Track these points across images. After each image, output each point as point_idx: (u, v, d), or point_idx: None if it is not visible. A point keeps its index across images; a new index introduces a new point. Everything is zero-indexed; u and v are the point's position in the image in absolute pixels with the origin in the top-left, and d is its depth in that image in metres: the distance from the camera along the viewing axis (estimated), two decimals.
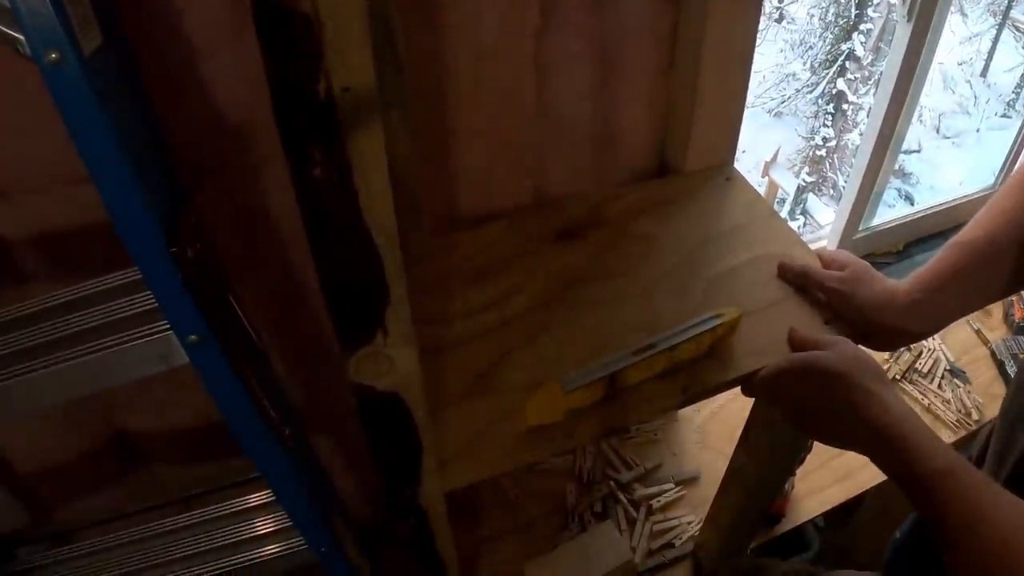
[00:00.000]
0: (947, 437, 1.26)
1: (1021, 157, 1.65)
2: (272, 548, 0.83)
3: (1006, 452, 0.69)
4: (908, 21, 1.24)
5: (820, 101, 6.93)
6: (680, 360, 0.69)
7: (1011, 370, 1.35)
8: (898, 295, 0.71)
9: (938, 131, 6.99)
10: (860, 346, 0.68)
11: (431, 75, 0.77)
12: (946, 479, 0.54)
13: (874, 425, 0.59)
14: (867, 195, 1.48)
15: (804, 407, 0.65)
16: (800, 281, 0.76)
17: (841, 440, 0.63)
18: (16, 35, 0.40)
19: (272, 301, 0.85)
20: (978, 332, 1.45)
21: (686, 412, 1.31)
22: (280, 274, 0.83)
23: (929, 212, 1.66)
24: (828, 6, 6.67)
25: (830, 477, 1.21)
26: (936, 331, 0.74)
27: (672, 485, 1.20)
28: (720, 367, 0.70)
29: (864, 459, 0.60)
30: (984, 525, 0.51)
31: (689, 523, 1.15)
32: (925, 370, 1.37)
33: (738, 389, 0.72)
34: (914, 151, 6.71)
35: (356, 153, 0.38)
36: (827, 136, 6.72)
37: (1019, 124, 1.68)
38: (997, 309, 1.50)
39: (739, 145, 0.95)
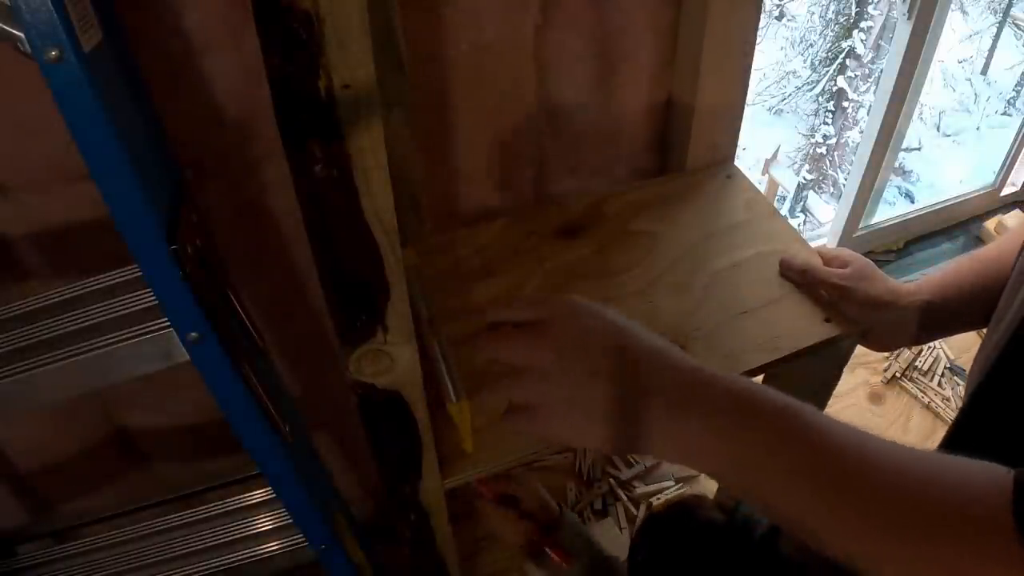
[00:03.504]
0: None
1: None
2: (272, 545, 0.83)
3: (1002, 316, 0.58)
4: (908, 19, 1.24)
5: (820, 99, 6.93)
6: None
7: None
8: (901, 296, 0.71)
9: (938, 129, 6.99)
10: None
11: (431, 72, 0.77)
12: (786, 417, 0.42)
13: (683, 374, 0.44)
14: (867, 193, 1.48)
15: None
16: (802, 278, 0.76)
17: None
18: (16, 33, 0.40)
19: (272, 298, 0.85)
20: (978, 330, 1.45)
21: None
22: (280, 271, 0.83)
23: (929, 210, 1.67)
24: (828, 4, 6.67)
25: None
26: (935, 339, 0.73)
27: (672, 482, 1.20)
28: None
29: None
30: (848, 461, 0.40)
31: None
32: (925, 368, 1.37)
33: None
34: (914, 149, 6.71)
35: (356, 150, 0.38)
36: (827, 134, 6.72)
37: (1020, 122, 1.68)
38: None
39: (739, 143, 0.95)
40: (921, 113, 6.75)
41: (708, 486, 1.17)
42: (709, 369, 0.44)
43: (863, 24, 6.49)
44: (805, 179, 6.59)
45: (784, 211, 2.20)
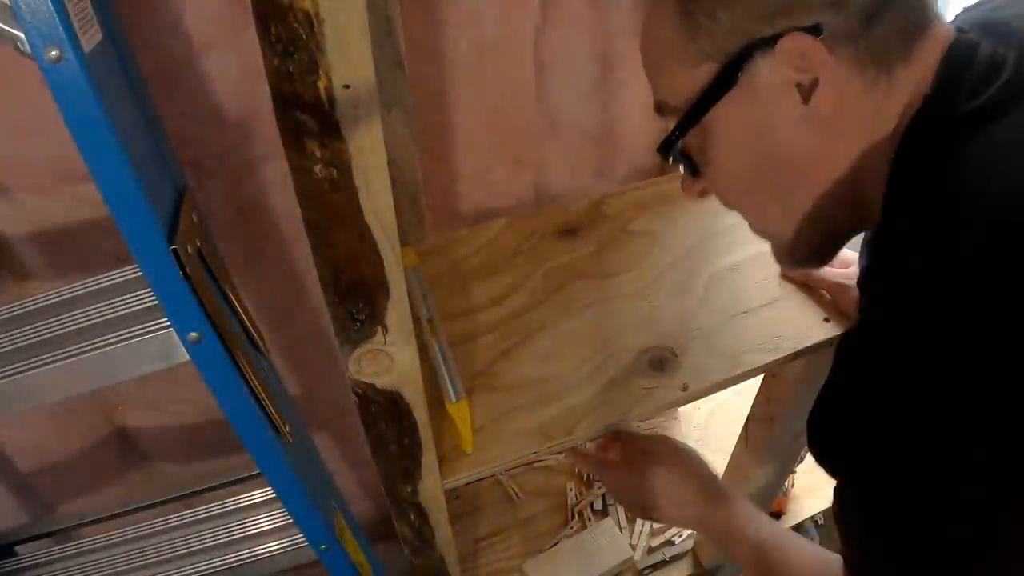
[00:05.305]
0: None
1: None
2: (273, 545, 0.83)
3: None
4: None
5: None
6: None
7: None
8: None
9: None
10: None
11: (432, 72, 0.77)
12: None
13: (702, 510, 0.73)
14: None
15: (640, 497, 0.76)
16: (803, 278, 0.76)
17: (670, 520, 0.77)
18: (16, 32, 0.40)
19: (272, 298, 0.85)
20: None
21: (686, 409, 1.31)
22: (280, 271, 0.83)
23: None
24: None
25: None
26: None
27: None
28: (722, 365, 0.70)
29: None
30: None
31: None
32: None
33: (739, 387, 0.71)
34: None
35: (356, 150, 0.38)
36: None
37: None
38: None
39: None
40: None
41: None
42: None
43: None
44: None
45: None
